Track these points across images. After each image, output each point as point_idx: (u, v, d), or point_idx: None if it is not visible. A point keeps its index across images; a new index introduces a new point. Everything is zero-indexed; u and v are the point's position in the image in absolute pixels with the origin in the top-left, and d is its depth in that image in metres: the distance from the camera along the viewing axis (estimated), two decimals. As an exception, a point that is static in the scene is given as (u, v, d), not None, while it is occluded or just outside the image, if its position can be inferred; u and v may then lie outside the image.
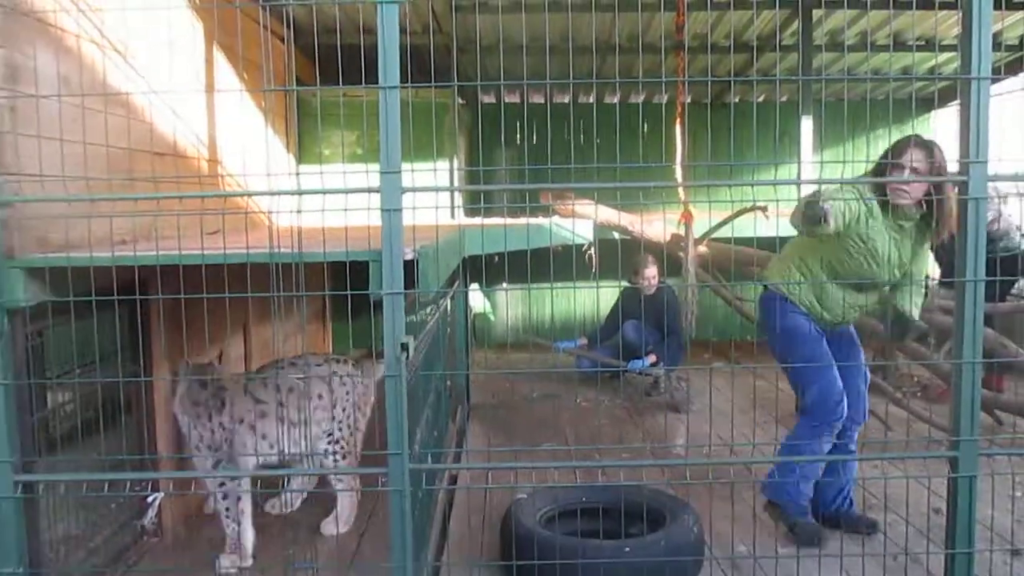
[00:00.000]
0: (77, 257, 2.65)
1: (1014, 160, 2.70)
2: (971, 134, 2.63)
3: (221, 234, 2.76)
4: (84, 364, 3.24)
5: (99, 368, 3.07)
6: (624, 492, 3.31)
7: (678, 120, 5.78)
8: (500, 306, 8.63)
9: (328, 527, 3.80)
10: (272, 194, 2.55)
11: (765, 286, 3.60)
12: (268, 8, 4.22)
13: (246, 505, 3.57)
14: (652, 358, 6.41)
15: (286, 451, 3.61)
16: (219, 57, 4.46)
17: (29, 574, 2.69)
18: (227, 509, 3.54)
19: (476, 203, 6.49)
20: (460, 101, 6.89)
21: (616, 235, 6.64)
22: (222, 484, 3.52)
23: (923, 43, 7.43)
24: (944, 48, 7.27)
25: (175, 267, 2.70)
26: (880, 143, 7.89)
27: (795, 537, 3.47)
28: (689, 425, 5.24)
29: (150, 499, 3.59)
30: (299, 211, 2.57)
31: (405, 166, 2.54)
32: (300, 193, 2.61)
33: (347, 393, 3.79)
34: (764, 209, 5.79)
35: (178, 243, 2.62)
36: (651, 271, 6.54)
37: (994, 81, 2.68)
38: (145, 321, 3.43)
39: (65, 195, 2.77)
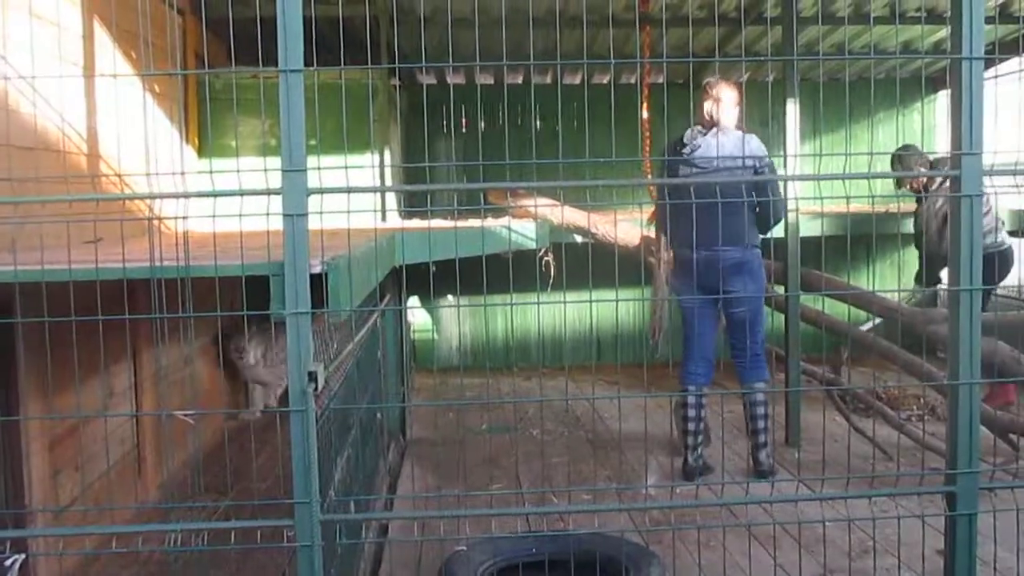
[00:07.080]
0: (-81, 274, 2.61)
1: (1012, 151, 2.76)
2: (963, 122, 2.71)
3: (98, 245, 2.73)
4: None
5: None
6: (577, 541, 3.34)
7: (645, 105, 5.80)
8: (445, 323, 8.63)
9: None
10: (151, 197, 2.54)
11: None
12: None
13: None
14: None
15: None
16: (99, 31, 4.42)
17: None
18: None
19: (416, 205, 6.50)
20: (395, 82, 6.88)
21: (578, 239, 6.64)
22: None
23: (926, 14, 7.49)
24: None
25: (39, 285, 2.67)
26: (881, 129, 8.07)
27: None
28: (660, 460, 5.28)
29: (8, 562, 3.51)
30: (185, 217, 2.56)
31: (326, 161, 2.55)
32: (185, 196, 2.61)
33: None
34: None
35: (41, 255, 2.60)
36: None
37: (989, 63, 2.76)
38: (8, 349, 3.38)
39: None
